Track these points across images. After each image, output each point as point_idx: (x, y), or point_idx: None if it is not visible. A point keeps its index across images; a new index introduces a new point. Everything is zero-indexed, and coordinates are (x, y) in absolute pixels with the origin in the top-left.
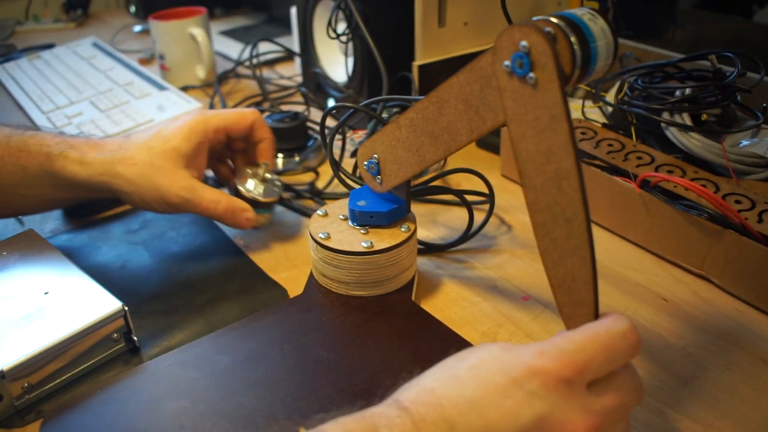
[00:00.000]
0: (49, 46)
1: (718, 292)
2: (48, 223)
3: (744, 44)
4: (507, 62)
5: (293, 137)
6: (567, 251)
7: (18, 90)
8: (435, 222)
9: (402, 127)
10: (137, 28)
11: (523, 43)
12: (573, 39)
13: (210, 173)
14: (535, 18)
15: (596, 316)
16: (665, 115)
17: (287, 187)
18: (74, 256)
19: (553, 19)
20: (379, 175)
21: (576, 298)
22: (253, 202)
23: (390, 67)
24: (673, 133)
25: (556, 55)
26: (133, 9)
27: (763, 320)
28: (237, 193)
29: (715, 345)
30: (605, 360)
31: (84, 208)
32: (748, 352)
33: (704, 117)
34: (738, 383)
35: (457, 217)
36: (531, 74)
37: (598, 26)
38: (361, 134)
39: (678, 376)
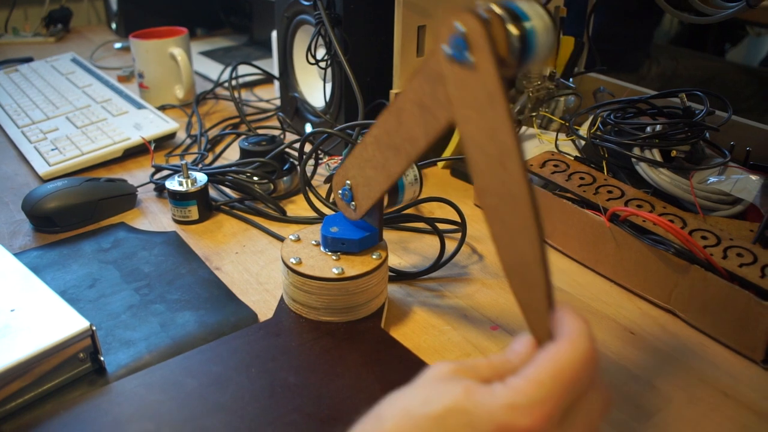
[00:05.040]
0: (27, 60)
1: (684, 326)
2: (18, 238)
3: (716, 81)
4: (448, 49)
5: (268, 160)
6: (516, 232)
7: None
8: (407, 249)
9: (368, 145)
10: (117, 45)
11: (460, 27)
12: (509, 23)
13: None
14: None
15: (550, 299)
16: (636, 151)
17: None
18: (43, 274)
19: (492, 5)
20: (353, 201)
21: (529, 281)
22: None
23: (368, 94)
24: (643, 169)
25: (490, 35)
26: (114, 26)
27: (727, 354)
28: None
29: (680, 378)
30: (573, 395)
31: (53, 223)
32: (711, 386)
33: (674, 153)
34: (701, 417)
35: (429, 245)
36: (468, 56)
37: (534, 11)
38: (336, 160)
39: (642, 409)
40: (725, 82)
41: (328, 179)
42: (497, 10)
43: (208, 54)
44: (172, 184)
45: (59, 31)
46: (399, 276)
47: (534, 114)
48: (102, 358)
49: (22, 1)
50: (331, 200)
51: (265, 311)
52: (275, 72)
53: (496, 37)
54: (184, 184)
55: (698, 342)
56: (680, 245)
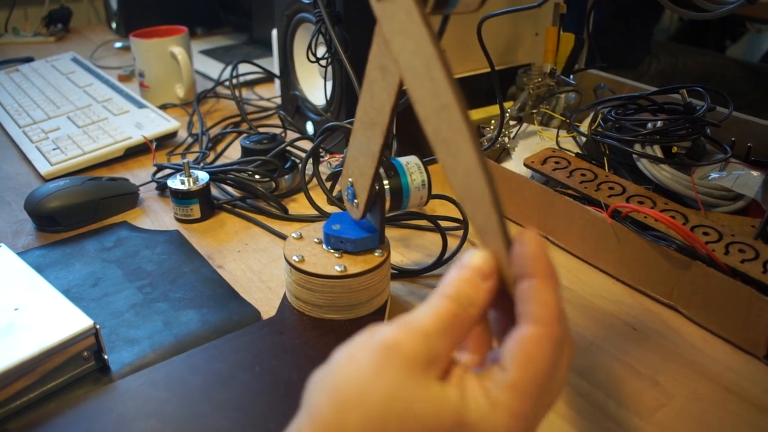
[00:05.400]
0: (28, 60)
1: (686, 322)
2: (20, 238)
3: (717, 77)
4: None
5: (270, 158)
6: (455, 144)
7: None
8: (409, 246)
9: (356, 132)
10: (118, 44)
11: None
12: None
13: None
14: None
15: (499, 213)
16: (637, 147)
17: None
18: (47, 272)
19: None
20: (355, 198)
21: (474, 194)
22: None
23: None
24: (644, 165)
25: None
26: (114, 25)
27: (729, 350)
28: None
29: (682, 374)
30: (552, 379)
31: (55, 222)
32: (713, 382)
33: (675, 149)
34: (703, 413)
35: (431, 242)
36: None
37: None
38: (338, 158)
39: (645, 405)
40: (726, 79)
41: (330, 177)
42: None
43: (208, 53)
44: (174, 183)
45: (59, 31)
46: (401, 273)
47: (535, 111)
48: (106, 357)
49: (23, 1)
50: (334, 194)
51: (268, 309)
52: (276, 70)
53: None
54: (186, 183)
55: (700, 338)
56: (682, 241)
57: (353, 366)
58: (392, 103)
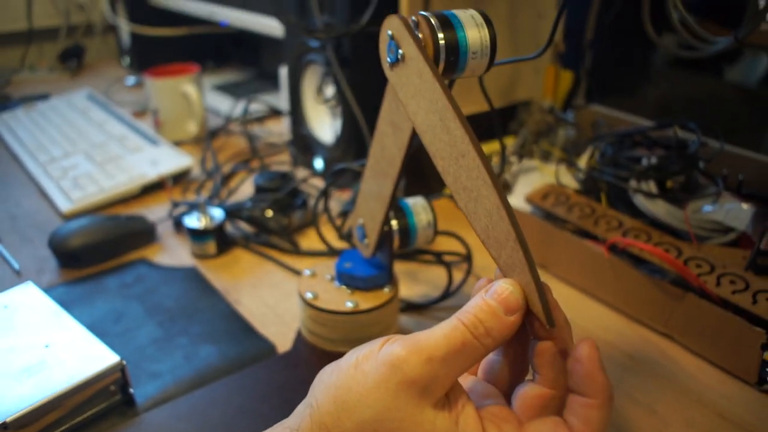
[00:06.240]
0: (44, 97)
1: (682, 351)
2: (44, 275)
3: (714, 101)
4: (387, 58)
5: (282, 196)
6: (475, 189)
7: (13, 140)
8: (416, 280)
9: (367, 179)
10: (130, 79)
11: (389, 31)
12: (434, 21)
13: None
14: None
15: (525, 248)
16: (632, 182)
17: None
18: (70, 309)
19: (424, 12)
20: (365, 238)
21: (498, 234)
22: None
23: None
24: (639, 200)
25: (412, 28)
26: (126, 62)
27: (723, 378)
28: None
29: (678, 402)
30: None
31: (78, 260)
32: (708, 409)
33: (669, 184)
34: None
35: (437, 275)
36: (399, 51)
37: (468, 15)
38: (349, 194)
39: None
40: (724, 102)
41: (342, 214)
42: (429, 15)
43: (218, 88)
44: (191, 221)
45: (74, 67)
46: (409, 306)
47: (535, 146)
48: (132, 391)
49: (38, 38)
50: (345, 231)
51: (283, 342)
52: (284, 107)
53: (424, 38)
54: (202, 220)
55: (696, 366)
56: (675, 274)
57: (358, 375)
58: (402, 157)
